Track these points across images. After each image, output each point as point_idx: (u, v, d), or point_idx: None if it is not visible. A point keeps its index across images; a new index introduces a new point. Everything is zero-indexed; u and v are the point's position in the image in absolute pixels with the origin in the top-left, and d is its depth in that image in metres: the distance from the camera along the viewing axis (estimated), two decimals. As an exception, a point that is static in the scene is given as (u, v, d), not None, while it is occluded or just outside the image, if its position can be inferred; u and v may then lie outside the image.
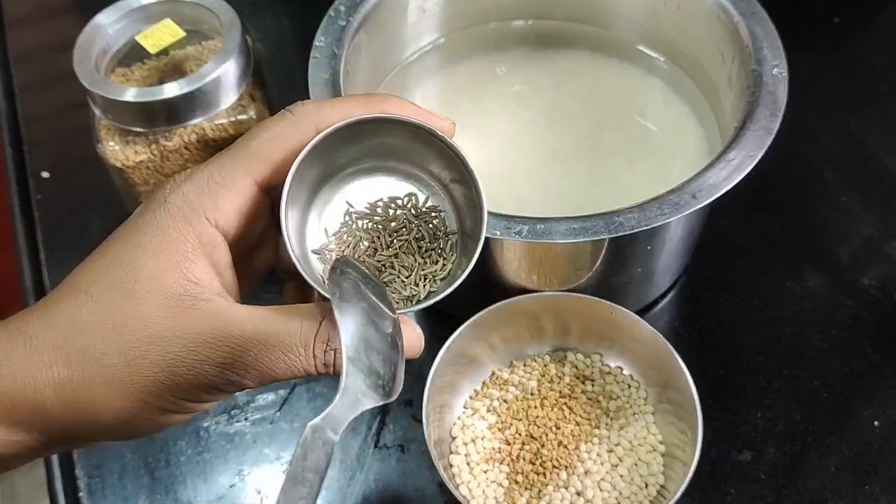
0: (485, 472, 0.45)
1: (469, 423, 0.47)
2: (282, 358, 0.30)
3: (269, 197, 0.33)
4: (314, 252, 0.34)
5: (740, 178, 0.43)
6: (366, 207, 0.34)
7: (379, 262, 0.34)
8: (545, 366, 0.49)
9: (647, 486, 0.44)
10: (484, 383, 0.49)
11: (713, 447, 0.48)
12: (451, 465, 0.46)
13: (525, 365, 0.49)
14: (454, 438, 0.47)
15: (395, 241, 0.34)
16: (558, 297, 0.47)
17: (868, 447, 0.48)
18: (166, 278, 0.30)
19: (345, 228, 0.34)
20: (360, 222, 0.34)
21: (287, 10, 0.73)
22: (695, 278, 0.55)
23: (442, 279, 0.34)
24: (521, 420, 0.47)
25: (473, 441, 0.46)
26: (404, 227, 0.34)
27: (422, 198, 0.35)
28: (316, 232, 0.34)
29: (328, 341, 0.30)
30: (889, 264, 0.55)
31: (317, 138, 0.32)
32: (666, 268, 0.52)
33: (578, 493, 0.44)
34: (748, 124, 0.45)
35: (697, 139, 0.54)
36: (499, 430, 0.47)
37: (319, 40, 0.50)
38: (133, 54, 0.52)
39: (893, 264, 0.55)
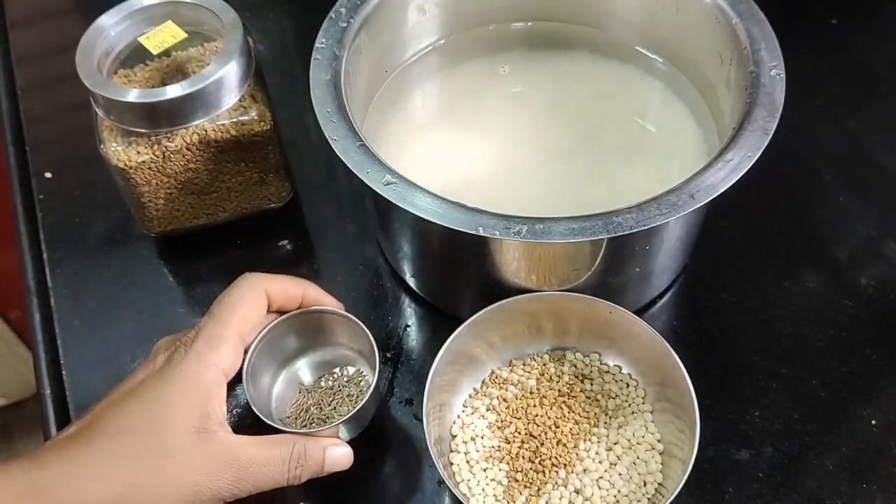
0: (484, 470, 0.46)
1: (469, 421, 0.47)
2: (268, 474, 0.41)
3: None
4: (279, 419, 0.47)
5: (738, 178, 0.43)
6: (313, 382, 0.49)
7: (323, 412, 0.47)
8: (544, 365, 0.49)
9: (645, 484, 0.45)
10: (483, 382, 0.49)
11: (711, 446, 0.48)
12: (451, 464, 0.46)
13: (524, 364, 0.49)
14: (454, 437, 0.47)
15: (333, 399, 0.48)
16: (557, 296, 0.48)
17: (866, 446, 0.48)
18: (190, 416, 0.39)
19: (300, 396, 0.48)
20: (308, 394, 0.48)
21: (288, 12, 0.73)
22: (693, 278, 0.55)
23: None
24: (520, 419, 0.47)
25: (473, 439, 0.47)
26: (339, 390, 0.48)
27: (351, 369, 0.49)
28: (283, 395, 0.49)
29: (298, 460, 0.41)
30: (887, 264, 0.56)
31: (262, 333, 0.46)
32: (664, 268, 0.52)
33: (577, 492, 0.44)
34: (746, 125, 0.45)
35: (696, 140, 0.54)
36: (498, 428, 0.47)
37: (320, 42, 0.50)
38: (135, 56, 0.52)
39: (891, 264, 0.56)
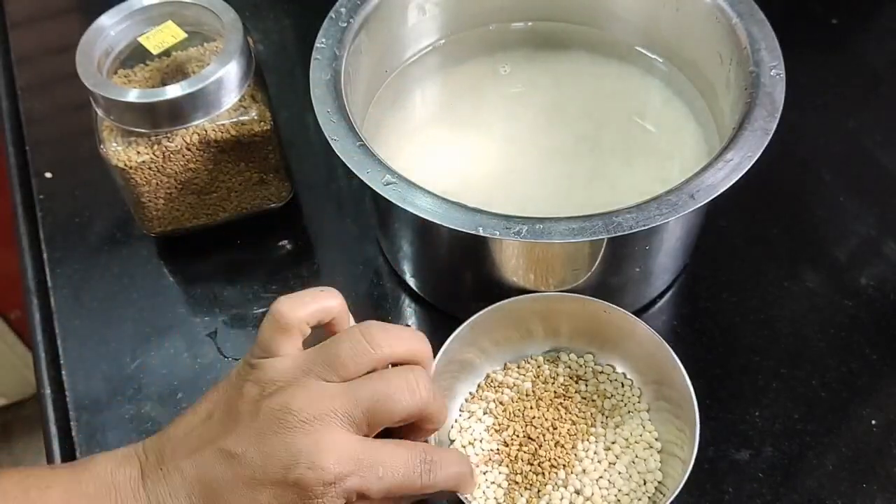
0: (484, 473, 0.46)
1: (466, 425, 0.47)
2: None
3: None
4: None
5: (738, 178, 0.43)
6: None
7: None
8: (539, 367, 0.49)
9: (645, 482, 0.45)
10: (479, 386, 0.49)
11: (711, 446, 0.48)
12: None
13: (519, 367, 0.49)
14: (452, 441, 0.47)
15: None
16: (555, 297, 0.48)
17: (866, 446, 0.48)
18: None
19: None
20: None
21: (288, 12, 0.73)
22: (693, 278, 0.55)
23: None
24: (517, 421, 0.47)
25: (472, 443, 0.47)
26: None
27: None
28: None
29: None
30: (887, 264, 0.56)
31: None
32: (664, 268, 0.52)
33: (577, 492, 0.44)
34: (746, 125, 0.45)
35: (696, 140, 0.54)
36: (496, 431, 0.47)
37: (320, 42, 0.50)
38: (135, 56, 0.52)
39: (891, 264, 0.56)
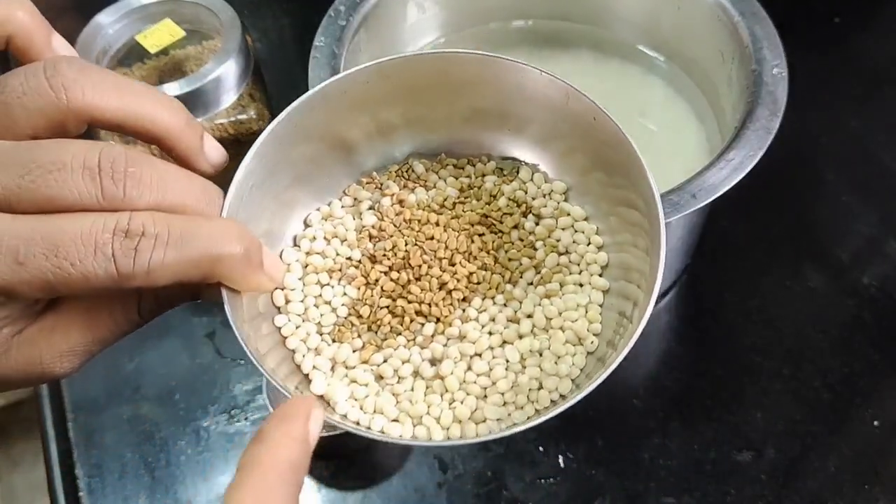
0: (322, 285, 0.33)
1: (339, 215, 0.35)
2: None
3: None
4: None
5: (740, 177, 0.43)
6: None
7: None
8: (482, 176, 0.36)
9: (540, 387, 0.32)
10: (388, 170, 0.36)
11: (713, 447, 0.48)
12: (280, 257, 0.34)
13: (455, 166, 0.36)
14: (308, 226, 0.35)
15: None
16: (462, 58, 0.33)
17: (868, 447, 0.48)
18: None
19: None
20: None
21: (287, 10, 0.73)
22: (695, 278, 0.55)
23: None
24: (407, 235, 0.34)
25: (330, 240, 0.35)
26: None
27: None
28: None
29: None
30: (889, 264, 0.55)
31: None
32: (666, 267, 0.52)
33: (433, 362, 0.32)
34: (748, 124, 0.45)
35: (698, 139, 0.54)
36: (370, 238, 0.34)
37: (319, 40, 0.50)
38: (133, 54, 0.52)
39: (893, 264, 0.55)
